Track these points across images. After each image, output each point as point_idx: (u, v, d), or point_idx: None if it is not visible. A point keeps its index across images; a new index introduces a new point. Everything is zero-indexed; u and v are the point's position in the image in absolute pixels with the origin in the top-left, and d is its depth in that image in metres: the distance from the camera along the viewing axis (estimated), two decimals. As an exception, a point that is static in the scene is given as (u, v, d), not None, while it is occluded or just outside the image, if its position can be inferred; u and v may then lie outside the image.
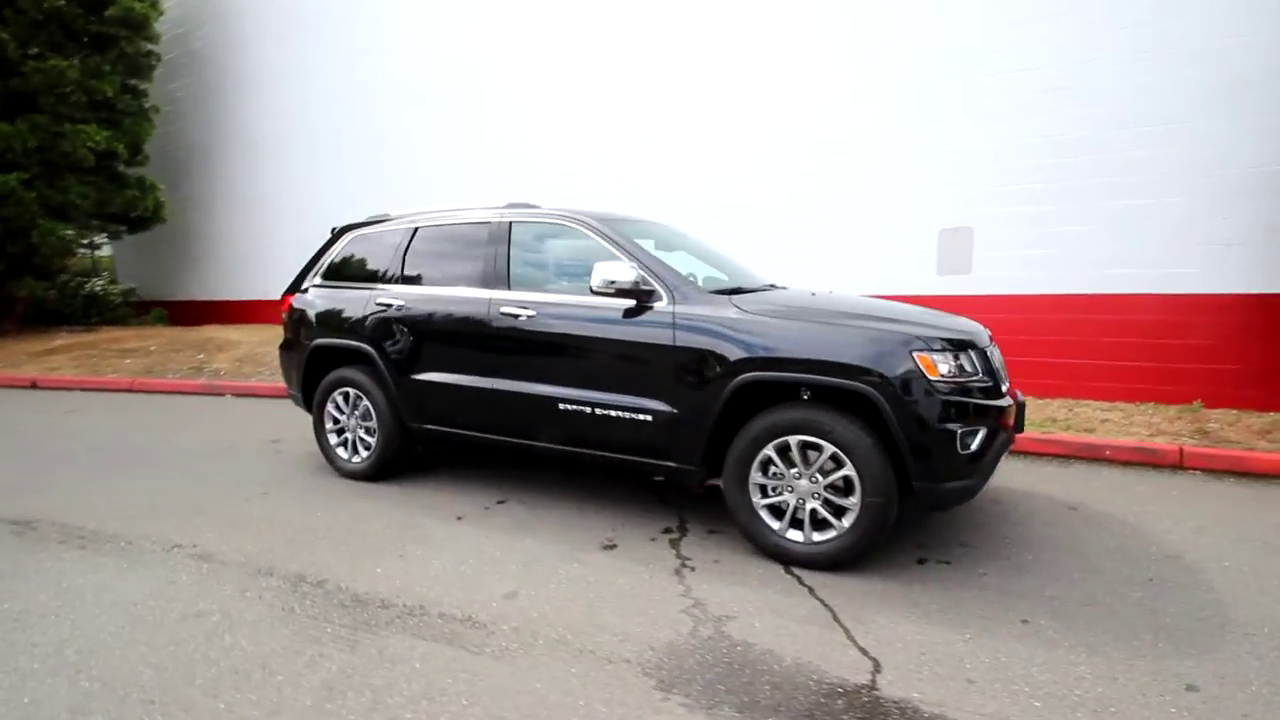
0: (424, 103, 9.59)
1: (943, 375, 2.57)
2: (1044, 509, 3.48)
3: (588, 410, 3.14)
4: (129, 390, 7.59)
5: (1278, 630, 2.26)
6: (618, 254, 3.17)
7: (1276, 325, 5.24)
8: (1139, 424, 4.96)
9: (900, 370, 2.54)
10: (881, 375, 2.55)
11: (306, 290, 4.32)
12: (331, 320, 4.09)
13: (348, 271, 4.19)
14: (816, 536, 2.71)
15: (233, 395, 7.29)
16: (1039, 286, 5.96)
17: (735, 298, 3.01)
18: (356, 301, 4.00)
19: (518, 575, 2.71)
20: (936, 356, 2.58)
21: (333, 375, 4.06)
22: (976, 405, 2.65)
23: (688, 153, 7.60)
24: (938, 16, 6.27)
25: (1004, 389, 2.86)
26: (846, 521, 2.64)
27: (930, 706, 1.85)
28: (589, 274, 3.12)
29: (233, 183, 12.12)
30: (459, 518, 3.39)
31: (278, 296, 4.70)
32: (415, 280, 3.84)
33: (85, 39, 10.69)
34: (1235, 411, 5.15)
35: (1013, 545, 3.01)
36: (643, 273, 3.04)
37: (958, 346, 2.68)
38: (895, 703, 1.86)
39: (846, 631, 2.25)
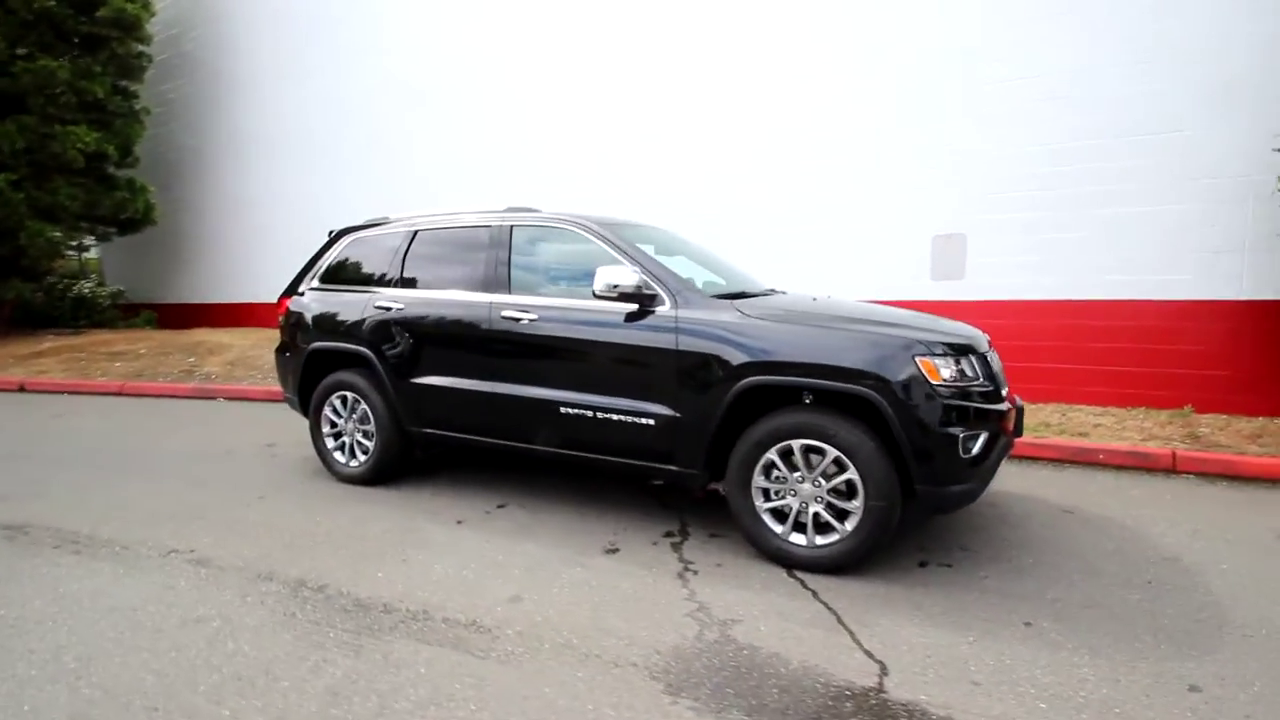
0: (421, 104, 9.58)
1: (945, 380, 2.59)
2: (1041, 512, 3.51)
3: (590, 414, 3.14)
4: (119, 394, 7.50)
5: (1276, 631, 2.29)
6: (620, 258, 3.18)
7: (1265, 331, 5.32)
8: (1131, 428, 5.02)
9: (903, 375, 2.56)
10: (884, 380, 2.57)
11: (303, 293, 4.29)
12: (329, 323, 4.07)
13: (345, 275, 4.17)
14: (819, 540, 2.72)
15: (225, 399, 7.22)
16: (1032, 292, 6.03)
17: (737, 302, 3.02)
18: (355, 305, 3.98)
19: (521, 580, 2.70)
20: (938, 361, 2.61)
21: (330, 379, 4.03)
22: (977, 409, 2.67)
23: (686, 156, 7.63)
24: (937, 22, 6.34)
25: (1004, 393, 2.88)
26: (849, 525, 2.66)
27: (938, 709, 1.86)
28: (590, 278, 3.13)
29: (224, 185, 12.03)
30: (459, 522, 3.38)
31: (269, 300, 4.67)
32: (415, 283, 3.83)
33: (76, 40, 10.60)
34: (1225, 416, 5.22)
35: (1012, 548, 3.03)
36: (645, 277, 3.05)
37: (959, 351, 2.71)
38: (903, 705, 1.87)
39: (852, 635, 2.26)
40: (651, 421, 2.98)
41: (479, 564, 2.86)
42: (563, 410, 3.21)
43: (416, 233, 3.92)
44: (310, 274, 4.33)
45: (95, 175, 10.83)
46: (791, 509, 2.77)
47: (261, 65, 11.36)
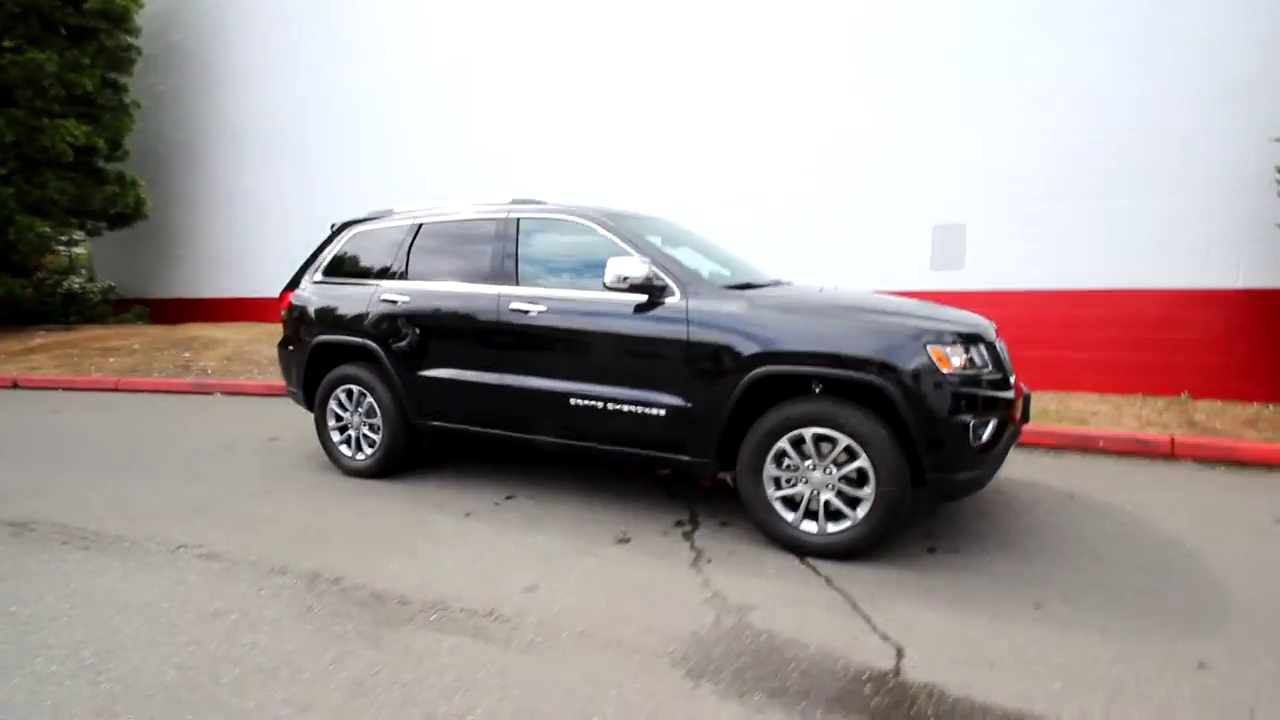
0: (419, 100, 9.52)
1: (955, 368, 2.62)
2: (1045, 498, 3.56)
3: (600, 405, 3.15)
4: (114, 389, 7.44)
5: (1278, 610, 2.34)
6: (628, 249, 3.18)
7: (1259, 319, 5.39)
8: (1129, 415, 5.08)
9: (914, 363, 2.58)
10: (896, 368, 2.59)
11: (306, 287, 4.27)
12: (334, 317, 4.05)
13: (349, 268, 4.15)
14: (831, 527, 2.74)
15: (222, 394, 7.17)
16: (1031, 281, 6.08)
17: (746, 293, 3.04)
18: (359, 298, 3.96)
19: (535, 570, 2.71)
20: (948, 349, 2.63)
21: (335, 372, 4.02)
22: (986, 397, 2.70)
23: (686, 150, 7.63)
24: (937, 19, 6.36)
25: (1011, 381, 2.91)
26: (861, 512, 2.68)
27: (956, 689, 1.89)
28: (597, 270, 3.13)
29: (216, 179, 11.92)
30: (468, 514, 3.38)
31: (264, 294, 4.67)
32: (421, 276, 3.81)
33: (64, 32, 10.46)
34: (1221, 402, 5.30)
35: (1018, 534, 3.07)
36: (655, 268, 3.06)
37: (968, 340, 2.73)
38: (922, 686, 1.90)
39: (867, 619, 2.29)
40: (663, 412, 3.00)
41: (491, 555, 2.87)
42: (573, 402, 3.21)
43: (421, 225, 3.90)
44: (313, 267, 4.30)
45: (85, 169, 10.71)
46: (803, 497, 2.79)
47: (253, 58, 11.23)
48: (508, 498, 3.60)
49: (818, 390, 2.79)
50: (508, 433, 3.53)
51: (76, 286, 12.55)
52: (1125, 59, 5.63)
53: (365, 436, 3.98)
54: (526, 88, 8.70)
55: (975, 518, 3.25)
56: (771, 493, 2.84)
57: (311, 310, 4.16)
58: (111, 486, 3.88)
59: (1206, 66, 5.38)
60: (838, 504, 2.73)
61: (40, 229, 10.27)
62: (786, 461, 2.80)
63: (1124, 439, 4.48)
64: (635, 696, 1.86)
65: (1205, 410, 5.11)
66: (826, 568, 2.69)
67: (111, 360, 8.58)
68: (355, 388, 3.94)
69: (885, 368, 2.61)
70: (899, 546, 2.88)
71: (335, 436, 4.08)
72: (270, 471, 4.18)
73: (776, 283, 3.61)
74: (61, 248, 13.05)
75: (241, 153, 11.53)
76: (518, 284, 3.47)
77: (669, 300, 3.02)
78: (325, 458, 4.19)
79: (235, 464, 4.37)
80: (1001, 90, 6.09)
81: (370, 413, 3.92)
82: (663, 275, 3.06)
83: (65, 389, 7.52)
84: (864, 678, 1.95)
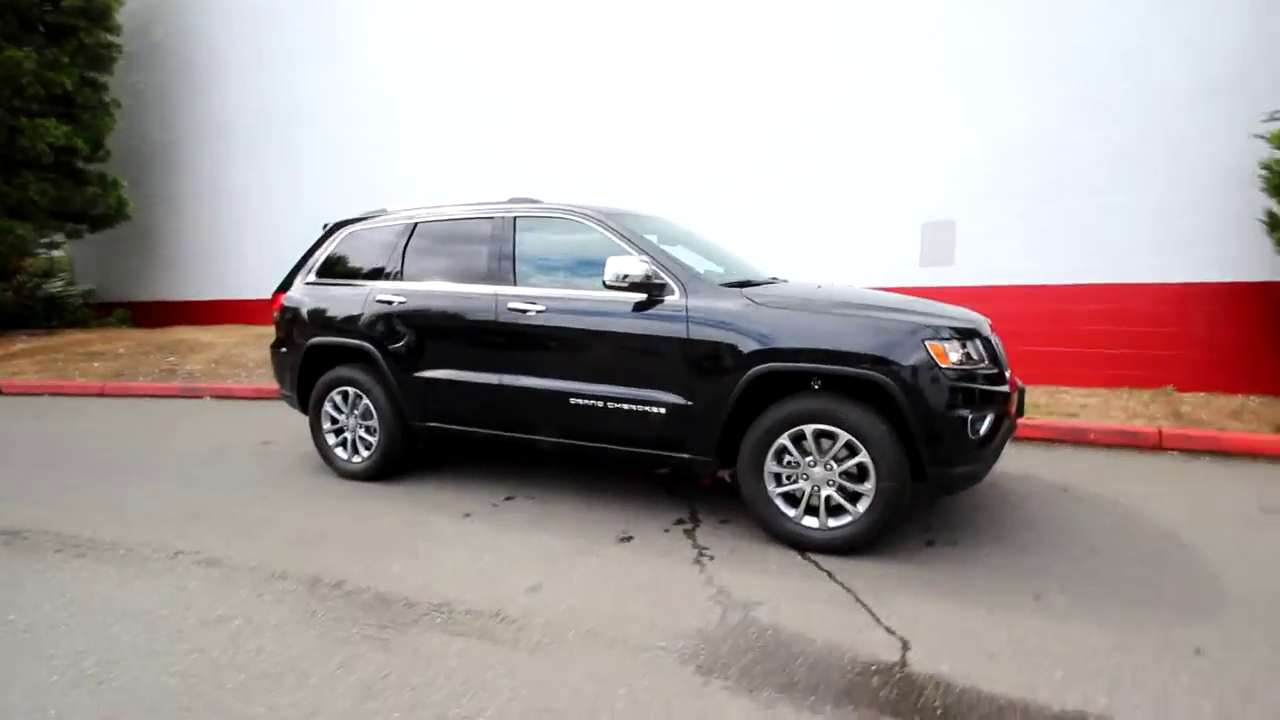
0: (408, 97, 9.44)
1: (953, 363, 2.65)
2: (1039, 491, 3.61)
3: (599, 404, 3.15)
4: (100, 394, 7.33)
5: (1271, 599, 2.40)
6: (627, 248, 3.19)
7: (1245, 313, 5.50)
8: (1116, 408, 5.16)
9: (913, 359, 2.61)
10: (895, 364, 2.61)
11: (299, 288, 4.23)
12: (328, 318, 4.02)
13: (343, 268, 4.12)
14: (832, 522, 2.77)
15: (212, 397, 7.09)
16: (1020, 277, 6.15)
17: (745, 290, 3.05)
18: (354, 299, 3.93)
19: (538, 570, 2.71)
20: (946, 345, 2.66)
21: (330, 374, 3.99)
22: (983, 392, 2.73)
23: (684, 148, 7.65)
24: (931, 21, 6.42)
25: (1006, 376, 2.95)
26: (861, 506, 2.71)
27: (961, 679, 1.92)
28: (595, 268, 3.14)
29: (200, 179, 11.76)
30: (467, 515, 3.37)
31: (250, 296, 4.62)
32: (417, 276, 3.79)
33: (42, 29, 10.25)
34: (1205, 395, 5.40)
35: (1014, 527, 3.11)
36: (654, 267, 3.06)
37: (964, 335, 2.76)
38: (929, 677, 1.93)
39: (870, 612, 2.31)
40: (663, 410, 3.01)
41: (493, 556, 2.87)
42: (572, 401, 3.21)
43: (416, 225, 3.88)
44: (305, 269, 4.26)
45: (65, 170, 10.52)
46: (804, 493, 2.81)
47: (236, 55, 11.09)
48: (507, 498, 3.60)
49: (816, 387, 2.82)
50: (507, 433, 3.52)
51: (57, 290, 12.35)
52: (1118, 58, 5.71)
53: (361, 439, 3.96)
54: (518, 85, 8.66)
55: (972, 511, 3.29)
56: (773, 489, 2.86)
57: (305, 312, 4.12)
58: (103, 493, 3.83)
59: (1194, 66, 5.47)
60: (838, 499, 2.76)
61: (20, 232, 10.07)
62: (787, 458, 2.82)
63: (1113, 431, 4.55)
64: (645, 694, 1.87)
65: (1191, 402, 5.20)
66: (828, 562, 2.72)
67: (96, 365, 8.45)
68: (351, 390, 3.92)
69: (885, 364, 2.63)
70: (898, 540, 2.91)
71: (331, 439, 4.05)
72: (265, 476, 4.14)
73: (773, 280, 3.63)
74: (42, 250, 12.82)
75: (226, 151, 11.37)
76: (515, 283, 3.46)
77: (668, 298, 3.03)
78: (320, 461, 4.16)
79: (229, 469, 4.32)
80: (999, 90, 6.16)
81: (366, 415, 3.90)
82: (662, 273, 3.06)
83: (50, 394, 7.39)
84: (871, 670, 1.97)
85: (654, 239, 3.40)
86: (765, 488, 2.86)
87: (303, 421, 4.28)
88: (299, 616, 2.36)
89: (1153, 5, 5.59)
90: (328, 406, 4.02)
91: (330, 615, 2.37)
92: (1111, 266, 5.85)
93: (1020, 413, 3.16)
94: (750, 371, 2.81)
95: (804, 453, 2.79)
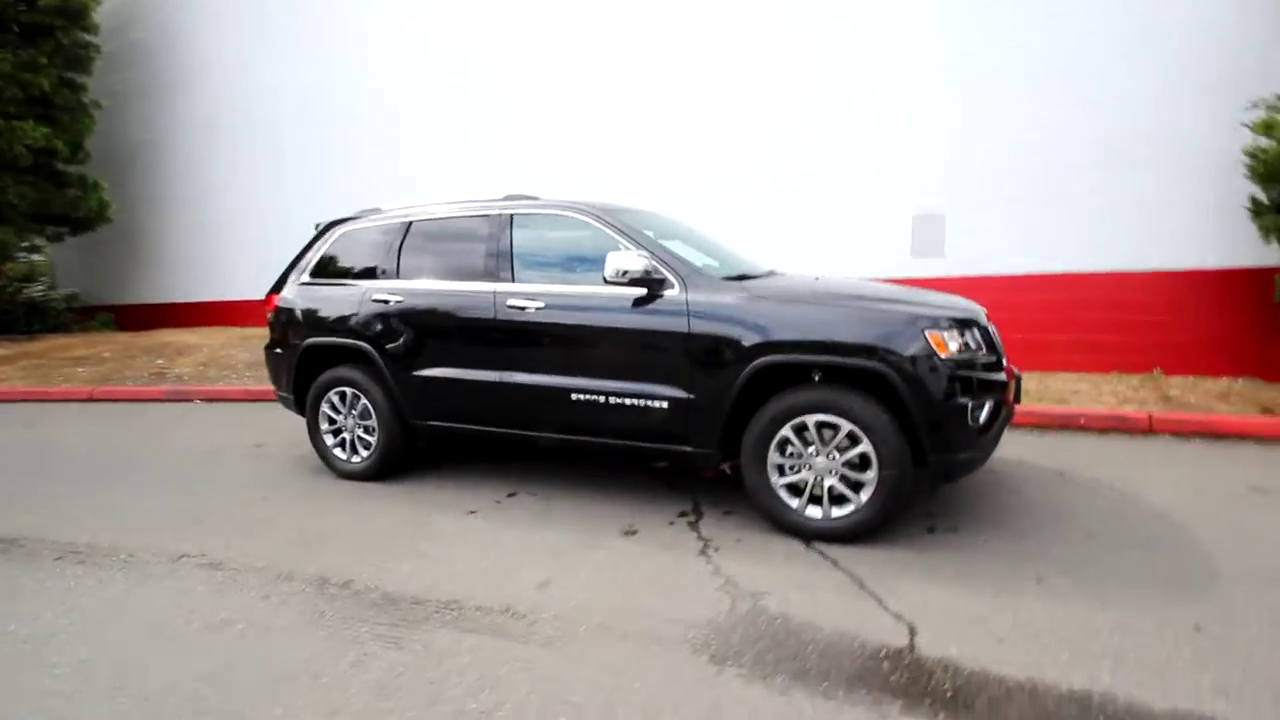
0: (407, 97, 9.32)
1: (952, 352, 2.68)
2: (1035, 477, 3.66)
3: (601, 399, 3.16)
4: (89, 399, 7.23)
5: (1265, 577, 2.45)
6: (625, 243, 3.19)
7: (1227, 297, 5.60)
8: (1107, 393, 5.24)
9: (913, 349, 2.64)
10: (896, 354, 2.64)
11: (292, 289, 4.19)
12: (323, 319, 3.99)
13: (337, 268, 4.09)
14: (835, 512, 2.80)
15: (202, 400, 7.02)
16: (1010, 267, 6.23)
17: (744, 284, 3.07)
18: (349, 299, 3.90)
19: (545, 565, 2.72)
20: (945, 334, 2.69)
21: (327, 375, 3.96)
22: (982, 380, 2.77)
23: (683, 148, 7.66)
24: (923, 17, 6.46)
25: (1004, 364, 2.99)
26: (864, 495, 2.74)
27: (969, 662, 1.95)
28: (593, 264, 3.14)
29: (183, 179, 11.59)
30: (470, 512, 3.37)
31: (237, 297, 4.58)
32: (413, 275, 3.77)
33: (17, 30, 10.04)
34: (1192, 378, 5.49)
35: (1013, 512, 3.16)
36: (653, 262, 3.07)
37: (963, 324, 2.80)
38: (937, 661, 1.96)
39: (877, 599, 2.34)
40: (665, 404, 3.02)
41: (499, 553, 2.87)
42: (573, 397, 3.22)
43: (412, 223, 3.86)
44: (299, 269, 4.23)
45: (44, 172, 10.33)
46: (807, 483, 2.84)
47: (218, 54, 10.92)
48: (509, 495, 3.60)
49: (817, 378, 2.84)
50: (508, 430, 3.52)
51: (38, 295, 12.14)
52: (1102, 49, 5.78)
53: (360, 439, 3.94)
54: (513, 85, 8.59)
55: (971, 497, 3.34)
56: (776, 480, 2.88)
57: (299, 312, 4.09)
58: (98, 499, 3.79)
59: (1180, 54, 5.55)
60: (841, 488, 2.79)
61: (0, 236, 9.90)
62: (790, 449, 2.84)
63: (1104, 416, 4.62)
64: (660, 684, 1.89)
65: (1178, 386, 5.29)
66: (832, 551, 2.75)
67: (81, 370, 8.33)
68: (349, 390, 3.89)
69: (886, 354, 2.66)
70: (900, 527, 2.95)
71: (329, 440, 4.03)
72: (262, 477, 4.11)
73: (771, 273, 3.65)
74: (23, 255, 12.59)
75: (209, 151, 11.22)
76: (514, 280, 3.45)
77: (668, 293, 3.04)
78: (317, 462, 4.14)
79: (225, 471, 4.29)
80: (984, 86, 6.21)
81: (365, 415, 3.88)
82: (662, 268, 3.07)
83: (38, 401, 7.28)
84: (881, 655, 2.00)
85: (650, 234, 3.41)
86: (769, 479, 2.88)
87: (296, 422, 4.25)
88: (308, 617, 2.36)
89: (1156, 7, 5.67)
90: (325, 407, 4.00)
91: (339, 615, 2.36)
92: (1100, 255, 5.93)
93: (1017, 399, 3.21)
94: (752, 364, 2.83)
95: (806, 443, 2.81)
